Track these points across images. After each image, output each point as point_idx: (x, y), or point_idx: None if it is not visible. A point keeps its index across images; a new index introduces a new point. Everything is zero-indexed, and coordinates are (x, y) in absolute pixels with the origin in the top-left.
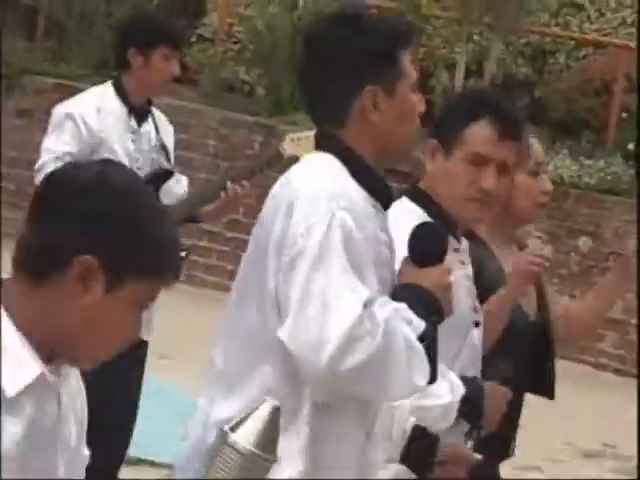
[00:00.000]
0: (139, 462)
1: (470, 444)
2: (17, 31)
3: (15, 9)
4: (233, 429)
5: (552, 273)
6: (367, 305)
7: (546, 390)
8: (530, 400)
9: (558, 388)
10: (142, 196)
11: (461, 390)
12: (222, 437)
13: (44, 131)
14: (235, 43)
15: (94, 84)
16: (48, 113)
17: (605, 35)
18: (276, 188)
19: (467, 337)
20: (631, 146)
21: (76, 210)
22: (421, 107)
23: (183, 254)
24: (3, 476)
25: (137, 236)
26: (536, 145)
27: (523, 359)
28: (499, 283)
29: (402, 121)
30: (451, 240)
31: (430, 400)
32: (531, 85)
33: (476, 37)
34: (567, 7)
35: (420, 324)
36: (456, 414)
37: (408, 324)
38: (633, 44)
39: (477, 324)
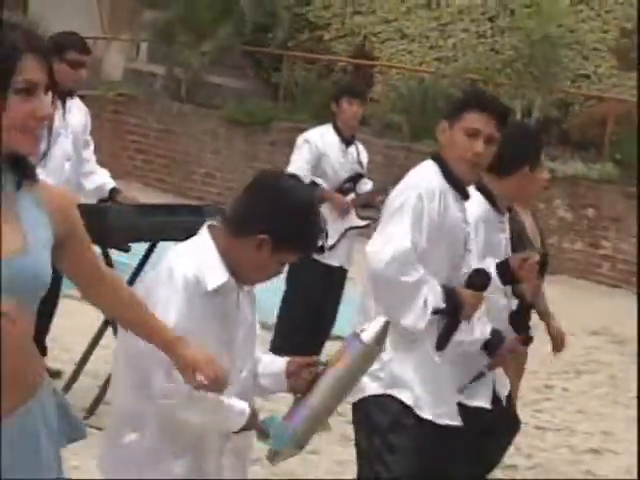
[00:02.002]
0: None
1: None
2: (268, 95)
3: (266, 81)
4: (362, 331)
5: (570, 228)
6: (414, 249)
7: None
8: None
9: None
10: (309, 208)
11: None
12: (354, 335)
13: (284, 154)
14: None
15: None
16: (285, 145)
17: (603, 93)
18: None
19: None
20: (618, 156)
21: (268, 204)
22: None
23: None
24: (187, 334)
25: (296, 229)
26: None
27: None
28: (524, 237)
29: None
30: (493, 213)
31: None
32: (559, 122)
33: (527, 95)
34: (580, 77)
35: (440, 303)
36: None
37: (434, 296)
38: (620, 97)
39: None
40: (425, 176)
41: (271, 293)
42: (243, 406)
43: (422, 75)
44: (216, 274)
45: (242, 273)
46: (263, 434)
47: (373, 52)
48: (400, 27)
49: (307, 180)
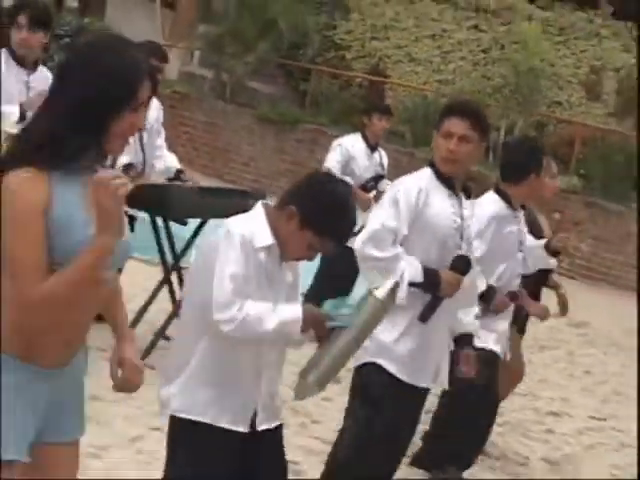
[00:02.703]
0: None
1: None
2: (296, 101)
3: (295, 89)
4: (375, 289)
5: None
6: (396, 233)
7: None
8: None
9: None
10: (340, 198)
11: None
12: (369, 292)
13: (307, 150)
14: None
15: (339, 129)
16: (309, 142)
17: (572, 118)
18: None
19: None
20: (582, 171)
21: (305, 185)
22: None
23: None
24: (235, 291)
25: (323, 209)
26: (553, 165)
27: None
28: (536, 226)
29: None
30: (508, 213)
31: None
32: (536, 140)
33: (511, 116)
34: (555, 103)
35: (418, 277)
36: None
37: (413, 272)
38: (586, 122)
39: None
40: (409, 178)
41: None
42: (296, 311)
43: (425, 93)
44: (263, 237)
45: (280, 245)
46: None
47: (386, 71)
48: (409, 52)
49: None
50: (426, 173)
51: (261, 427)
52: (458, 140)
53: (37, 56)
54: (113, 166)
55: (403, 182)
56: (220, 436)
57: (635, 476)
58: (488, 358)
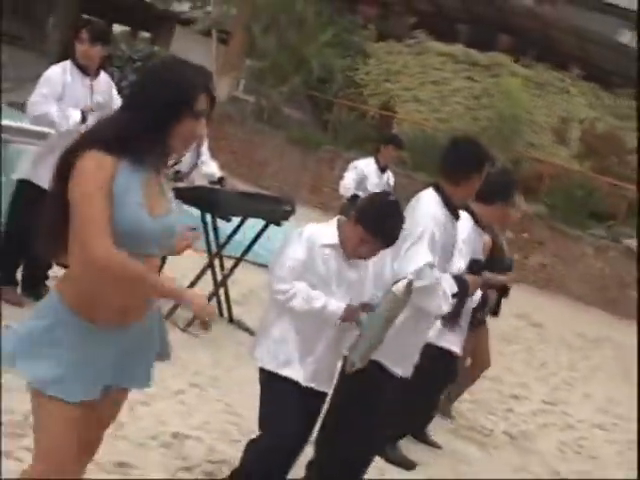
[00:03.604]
0: None
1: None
2: (319, 127)
3: (319, 117)
4: (393, 284)
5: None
6: (430, 265)
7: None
8: None
9: None
10: (388, 205)
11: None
12: (388, 288)
13: (327, 169)
14: None
15: (353, 153)
16: (328, 162)
17: (542, 157)
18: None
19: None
20: (547, 201)
21: (365, 199)
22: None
23: None
24: (291, 269)
25: (370, 210)
26: (520, 200)
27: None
28: (499, 245)
29: None
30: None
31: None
32: (512, 175)
33: (494, 153)
34: (529, 144)
35: (454, 288)
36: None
37: (450, 286)
38: (554, 161)
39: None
40: (433, 207)
41: None
42: (339, 305)
43: (425, 128)
44: (329, 237)
45: (342, 244)
46: (359, 324)
47: (395, 108)
48: (415, 94)
49: (352, 191)
50: (435, 200)
51: (320, 388)
52: None
53: (97, 65)
54: (176, 164)
55: (431, 216)
56: (292, 387)
57: None
58: (448, 359)
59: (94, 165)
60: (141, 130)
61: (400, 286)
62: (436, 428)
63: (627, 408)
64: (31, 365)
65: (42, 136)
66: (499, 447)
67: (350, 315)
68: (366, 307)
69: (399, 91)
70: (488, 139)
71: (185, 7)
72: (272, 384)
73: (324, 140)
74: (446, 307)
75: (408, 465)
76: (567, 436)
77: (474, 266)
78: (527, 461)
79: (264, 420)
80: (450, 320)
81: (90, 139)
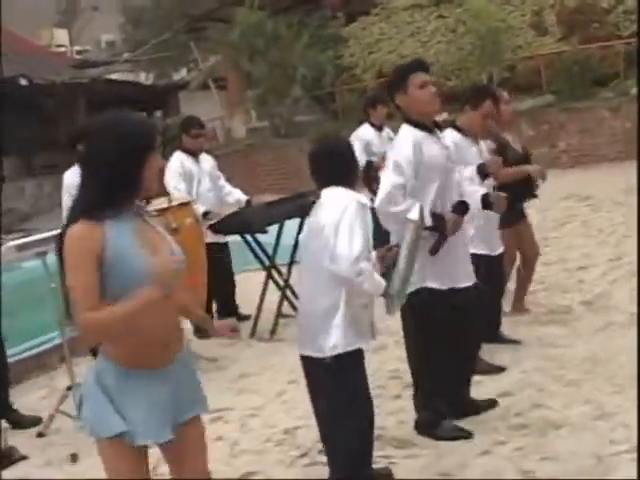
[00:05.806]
0: None
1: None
2: (329, 119)
3: (326, 110)
4: (408, 215)
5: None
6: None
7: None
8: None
9: None
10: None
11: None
12: (405, 221)
13: None
14: None
15: None
16: None
17: (532, 54)
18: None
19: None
20: (553, 89)
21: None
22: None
23: None
24: (363, 246)
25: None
26: (504, 94)
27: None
28: (510, 148)
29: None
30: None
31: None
32: (511, 79)
33: (487, 69)
34: (516, 48)
35: (428, 221)
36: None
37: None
38: (542, 53)
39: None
40: (400, 140)
41: None
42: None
43: None
44: (365, 199)
45: None
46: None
47: (388, 73)
48: (399, 53)
49: (363, 161)
50: (408, 129)
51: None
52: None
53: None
54: (148, 203)
55: (398, 145)
56: (361, 359)
57: None
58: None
59: (77, 237)
60: (117, 187)
61: (414, 213)
62: (517, 325)
63: None
64: (106, 426)
65: None
66: (580, 317)
67: (381, 261)
68: (391, 248)
69: (385, 56)
70: (477, 59)
71: (183, 73)
72: (344, 364)
73: (337, 128)
74: (427, 221)
75: (498, 370)
76: (633, 283)
77: (460, 207)
78: (607, 318)
79: (343, 405)
80: (431, 250)
81: (75, 212)
